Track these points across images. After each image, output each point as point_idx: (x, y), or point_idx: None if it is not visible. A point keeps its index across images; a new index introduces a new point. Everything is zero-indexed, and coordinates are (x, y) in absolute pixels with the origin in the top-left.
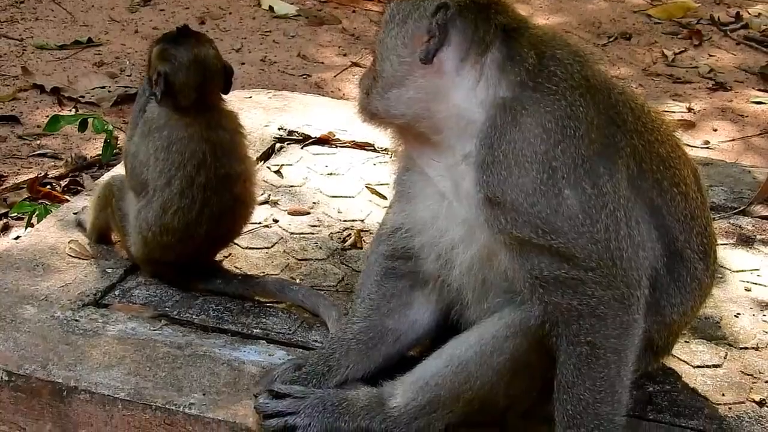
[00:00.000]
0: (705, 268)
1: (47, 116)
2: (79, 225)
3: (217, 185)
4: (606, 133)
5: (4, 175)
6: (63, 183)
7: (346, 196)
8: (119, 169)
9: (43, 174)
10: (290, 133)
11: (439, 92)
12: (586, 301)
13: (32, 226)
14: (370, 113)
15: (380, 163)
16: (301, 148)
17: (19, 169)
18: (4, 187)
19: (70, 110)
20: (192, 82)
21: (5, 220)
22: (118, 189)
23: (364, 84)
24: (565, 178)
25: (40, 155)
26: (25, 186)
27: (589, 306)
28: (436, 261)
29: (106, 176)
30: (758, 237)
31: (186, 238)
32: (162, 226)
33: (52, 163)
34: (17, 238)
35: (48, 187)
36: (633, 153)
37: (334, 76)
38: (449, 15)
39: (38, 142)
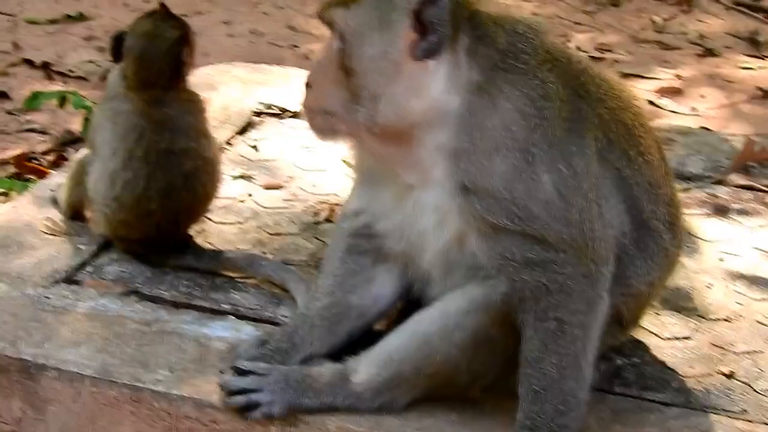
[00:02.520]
0: (672, 238)
1: (34, 90)
2: (55, 202)
3: (159, 160)
4: (573, 108)
5: None
6: (50, 158)
7: (322, 170)
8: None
9: (29, 150)
10: (268, 107)
11: (423, 86)
12: (555, 278)
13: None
14: (350, 130)
15: None
16: (279, 122)
17: (6, 145)
18: None
19: (60, 85)
20: (134, 56)
21: None
22: (87, 164)
23: (331, 104)
24: (542, 162)
25: (27, 131)
26: (11, 161)
27: (557, 283)
28: (400, 242)
29: (80, 153)
30: (734, 207)
31: (141, 214)
32: (116, 200)
33: (40, 138)
34: None
35: (35, 162)
36: (600, 124)
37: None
38: (441, 8)
39: (26, 117)
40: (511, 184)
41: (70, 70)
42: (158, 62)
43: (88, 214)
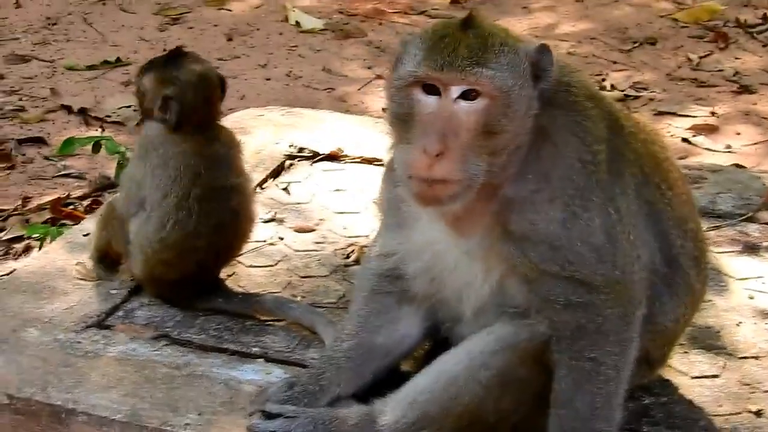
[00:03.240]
0: (697, 274)
1: (70, 136)
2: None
3: (213, 197)
4: (611, 146)
5: (29, 196)
6: (85, 203)
7: (353, 212)
8: None
9: (66, 194)
10: (300, 150)
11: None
12: (594, 319)
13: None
14: (477, 186)
15: None
16: (311, 164)
17: (43, 190)
18: (27, 208)
19: (97, 130)
20: (200, 99)
21: (27, 242)
22: (119, 210)
23: (474, 170)
24: (595, 208)
25: (64, 176)
26: (48, 207)
27: (595, 323)
28: (431, 284)
29: (109, 198)
30: (764, 244)
31: (185, 252)
32: (161, 240)
33: (76, 184)
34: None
35: (71, 207)
36: (635, 159)
37: (358, 89)
38: (551, 54)
39: (63, 163)
40: (568, 231)
41: (107, 116)
42: (209, 101)
43: (117, 256)
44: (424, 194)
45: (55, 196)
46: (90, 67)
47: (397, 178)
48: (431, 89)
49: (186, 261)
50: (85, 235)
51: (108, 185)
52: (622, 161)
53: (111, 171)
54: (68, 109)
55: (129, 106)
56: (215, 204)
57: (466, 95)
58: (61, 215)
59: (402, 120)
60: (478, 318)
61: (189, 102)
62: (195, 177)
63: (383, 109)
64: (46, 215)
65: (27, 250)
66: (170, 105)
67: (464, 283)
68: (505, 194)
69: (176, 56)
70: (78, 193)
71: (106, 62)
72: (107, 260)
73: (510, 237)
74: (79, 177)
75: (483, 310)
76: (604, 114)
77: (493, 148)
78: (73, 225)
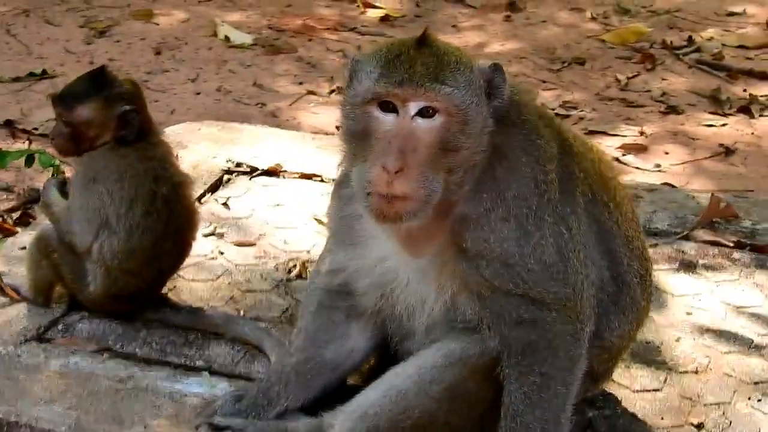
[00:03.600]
0: (642, 291)
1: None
2: (1, 291)
3: (175, 194)
4: (562, 164)
5: None
6: (15, 216)
7: (293, 227)
8: (41, 224)
9: None
10: (238, 165)
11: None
12: (544, 336)
13: None
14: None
15: (327, 193)
16: (249, 179)
17: None
18: None
19: (24, 142)
20: (144, 106)
21: None
22: (55, 240)
23: (433, 186)
24: (548, 227)
25: None
26: None
27: (545, 340)
28: (380, 299)
29: (32, 237)
30: (700, 262)
31: (152, 257)
32: (129, 252)
33: (4, 196)
34: None
35: (0, 219)
36: (584, 178)
37: (290, 105)
38: (503, 72)
39: None
40: (521, 249)
41: (35, 128)
42: (146, 112)
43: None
44: (383, 211)
45: None
46: (15, 79)
47: (353, 195)
48: (388, 107)
49: (151, 267)
50: (21, 249)
51: (37, 198)
52: (572, 180)
53: (39, 184)
54: None
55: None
56: (175, 203)
57: (423, 113)
58: None
59: (358, 138)
60: (429, 333)
61: (141, 111)
62: (154, 180)
63: (337, 127)
64: None
65: None
66: (129, 119)
67: (416, 300)
68: (460, 212)
69: (97, 76)
70: (6, 206)
71: (31, 74)
72: (50, 298)
73: (464, 254)
74: (7, 189)
75: (434, 325)
76: (555, 134)
77: (451, 165)
78: (3, 237)
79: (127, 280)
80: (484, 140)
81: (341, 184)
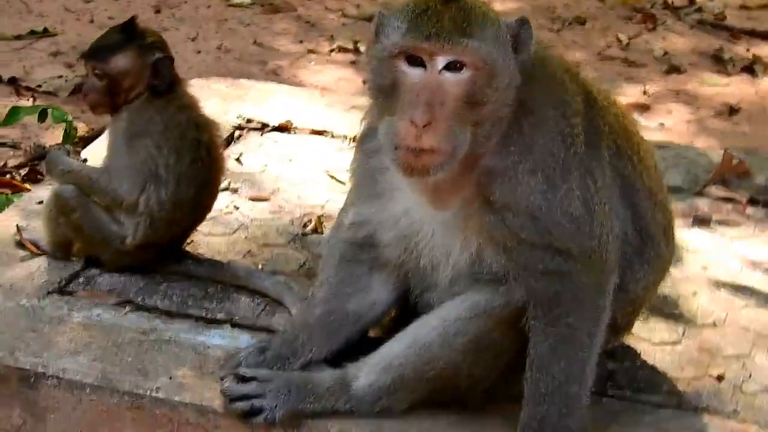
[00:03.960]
0: (666, 243)
1: (5, 106)
2: (21, 245)
3: (213, 141)
4: (587, 118)
5: None
6: (23, 172)
7: (306, 182)
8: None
9: (2, 164)
10: (249, 121)
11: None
12: (570, 287)
13: None
14: (461, 156)
15: (338, 149)
16: (260, 135)
17: None
18: None
19: (28, 100)
20: (168, 64)
21: None
22: (75, 199)
23: (460, 140)
24: (574, 179)
25: None
26: None
27: (571, 291)
28: (404, 252)
29: (48, 194)
30: (714, 218)
31: (194, 205)
32: (175, 201)
33: (11, 153)
34: None
35: (8, 176)
36: (609, 132)
37: (291, 64)
38: (530, 26)
39: None
40: (548, 202)
41: (38, 86)
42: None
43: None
44: (411, 164)
45: None
46: (17, 37)
47: (379, 149)
48: (415, 61)
49: (192, 214)
50: (39, 203)
51: (44, 155)
52: (597, 134)
53: (45, 140)
54: None
55: (60, 76)
56: (214, 149)
57: (450, 67)
58: None
59: (385, 92)
60: (452, 286)
61: (170, 62)
62: (196, 128)
63: (364, 82)
64: None
65: None
66: (162, 68)
67: (441, 253)
68: (487, 165)
69: (127, 27)
70: (14, 162)
71: (32, 32)
72: (68, 253)
73: (490, 207)
74: (14, 146)
75: (458, 278)
76: (580, 88)
77: (477, 118)
78: (13, 194)
79: (167, 229)
80: (510, 94)
81: (365, 138)
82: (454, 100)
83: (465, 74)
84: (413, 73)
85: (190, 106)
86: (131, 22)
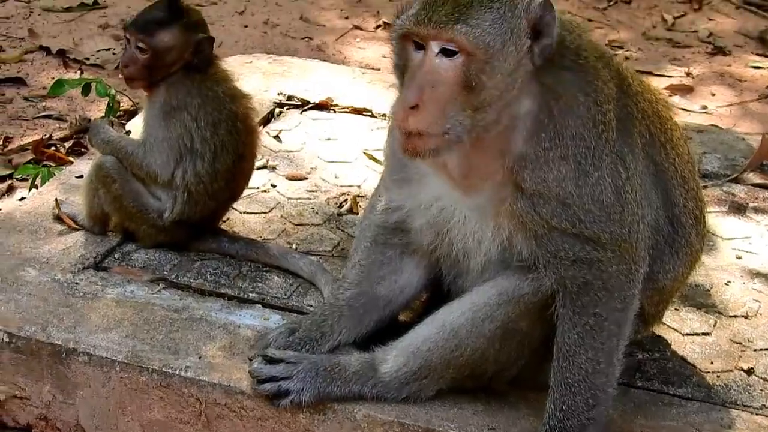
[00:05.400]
0: (697, 233)
1: (53, 78)
2: (59, 219)
3: (248, 113)
4: (621, 104)
5: (10, 136)
6: (67, 145)
7: (344, 162)
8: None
9: (48, 136)
10: (289, 98)
11: (524, 90)
12: (600, 276)
13: (36, 188)
14: (458, 145)
15: (378, 128)
16: (300, 113)
17: (24, 131)
18: (9, 148)
19: (75, 72)
20: (207, 41)
21: (10, 182)
22: (115, 170)
23: (452, 123)
24: (606, 166)
25: (45, 117)
26: (29, 147)
27: (601, 280)
28: (436, 238)
29: (90, 166)
30: (750, 205)
31: (231, 177)
32: (213, 173)
33: (57, 125)
34: (22, 199)
35: (53, 148)
36: (642, 118)
37: (336, 39)
38: (554, 11)
39: (43, 104)
40: (580, 189)
41: (86, 58)
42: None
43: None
44: (404, 145)
45: (37, 137)
46: (67, 9)
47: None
48: (419, 45)
49: (229, 187)
50: (78, 177)
51: (87, 128)
52: (630, 120)
53: (91, 113)
54: (46, 50)
55: (108, 49)
56: (250, 121)
57: (445, 52)
58: (43, 156)
59: (399, 72)
60: (483, 272)
61: (207, 41)
62: (232, 101)
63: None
64: (29, 156)
65: (10, 190)
66: (203, 47)
67: (473, 239)
68: (518, 151)
69: (173, 4)
70: (59, 134)
71: (83, 5)
72: (105, 227)
73: (522, 193)
74: (60, 119)
75: (488, 264)
76: (613, 73)
77: (477, 103)
78: (57, 166)
79: (205, 202)
80: (517, 79)
81: None
82: (446, 84)
83: (458, 59)
84: (414, 56)
85: (225, 80)
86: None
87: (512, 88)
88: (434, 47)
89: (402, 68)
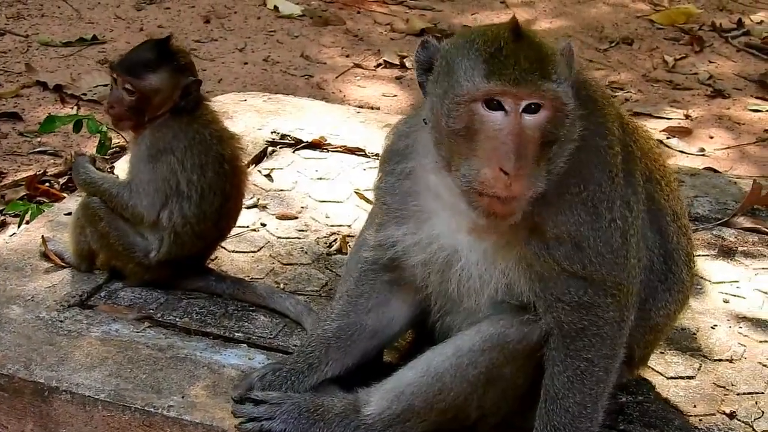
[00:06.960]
0: (688, 270)
1: (49, 113)
2: (46, 257)
3: (235, 154)
4: (623, 144)
5: (4, 171)
6: (61, 181)
7: (335, 201)
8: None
9: (42, 171)
10: (282, 137)
11: None
12: (595, 321)
13: (27, 224)
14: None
15: (370, 168)
16: (293, 152)
17: (19, 166)
18: (3, 183)
19: (72, 108)
20: (196, 83)
21: (2, 218)
22: (102, 209)
23: (540, 184)
24: (616, 210)
25: (40, 152)
26: (23, 183)
27: (596, 326)
28: (431, 276)
29: (78, 203)
30: (740, 249)
31: (218, 218)
32: (199, 215)
33: (52, 161)
34: (12, 235)
35: (47, 184)
36: (641, 156)
37: (336, 77)
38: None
39: (39, 139)
40: (594, 233)
41: (83, 94)
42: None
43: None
44: (497, 211)
45: (31, 173)
46: (65, 44)
47: (412, 171)
48: (493, 104)
49: (216, 227)
50: (66, 214)
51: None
52: (632, 161)
53: (87, 149)
54: (43, 85)
55: (106, 85)
56: (236, 162)
57: (528, 108)
58: (37, 192)
59: (460, 135)
60: (475, 311)
61: (196, 84)
62: (219, 143)
63: (424, 120)
64: (22, 192)
65: (2, 226)
66: (192, 90)
67: (474, 280)
68: (541, 196)
69: (163, 45)
70: (54, 170)
71: (81, 40)
72: (92, 264)
73: (538, 236)
74: (55, 154)
75: (483, 304)
76: (616, 113)
77: (554, 157)
78: (50, 202)
79: (192, 243)
80: (576, 126)
81: (394, 158)
82: (535, 142)
83: (542, 115)
84: (494, 118)
85: (213, 122)
86: (167, 40)
87: (574, 135)
88: (522, 106)
89: (465, 131)
